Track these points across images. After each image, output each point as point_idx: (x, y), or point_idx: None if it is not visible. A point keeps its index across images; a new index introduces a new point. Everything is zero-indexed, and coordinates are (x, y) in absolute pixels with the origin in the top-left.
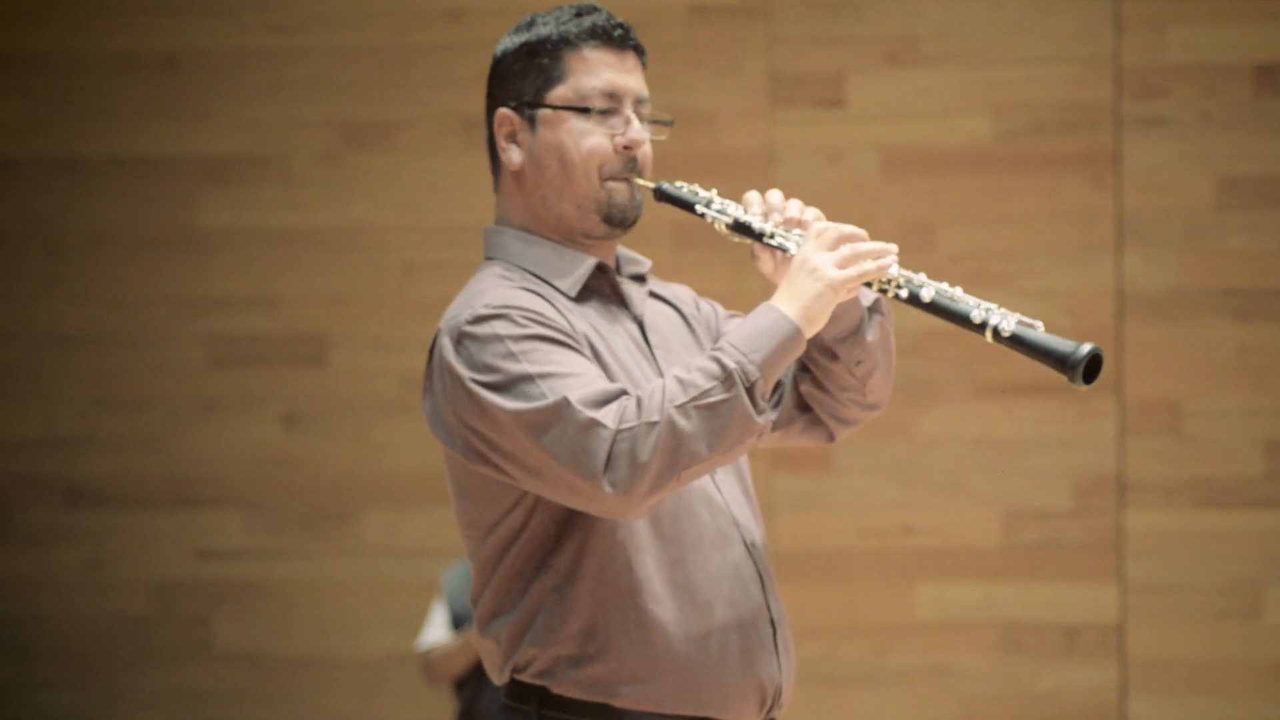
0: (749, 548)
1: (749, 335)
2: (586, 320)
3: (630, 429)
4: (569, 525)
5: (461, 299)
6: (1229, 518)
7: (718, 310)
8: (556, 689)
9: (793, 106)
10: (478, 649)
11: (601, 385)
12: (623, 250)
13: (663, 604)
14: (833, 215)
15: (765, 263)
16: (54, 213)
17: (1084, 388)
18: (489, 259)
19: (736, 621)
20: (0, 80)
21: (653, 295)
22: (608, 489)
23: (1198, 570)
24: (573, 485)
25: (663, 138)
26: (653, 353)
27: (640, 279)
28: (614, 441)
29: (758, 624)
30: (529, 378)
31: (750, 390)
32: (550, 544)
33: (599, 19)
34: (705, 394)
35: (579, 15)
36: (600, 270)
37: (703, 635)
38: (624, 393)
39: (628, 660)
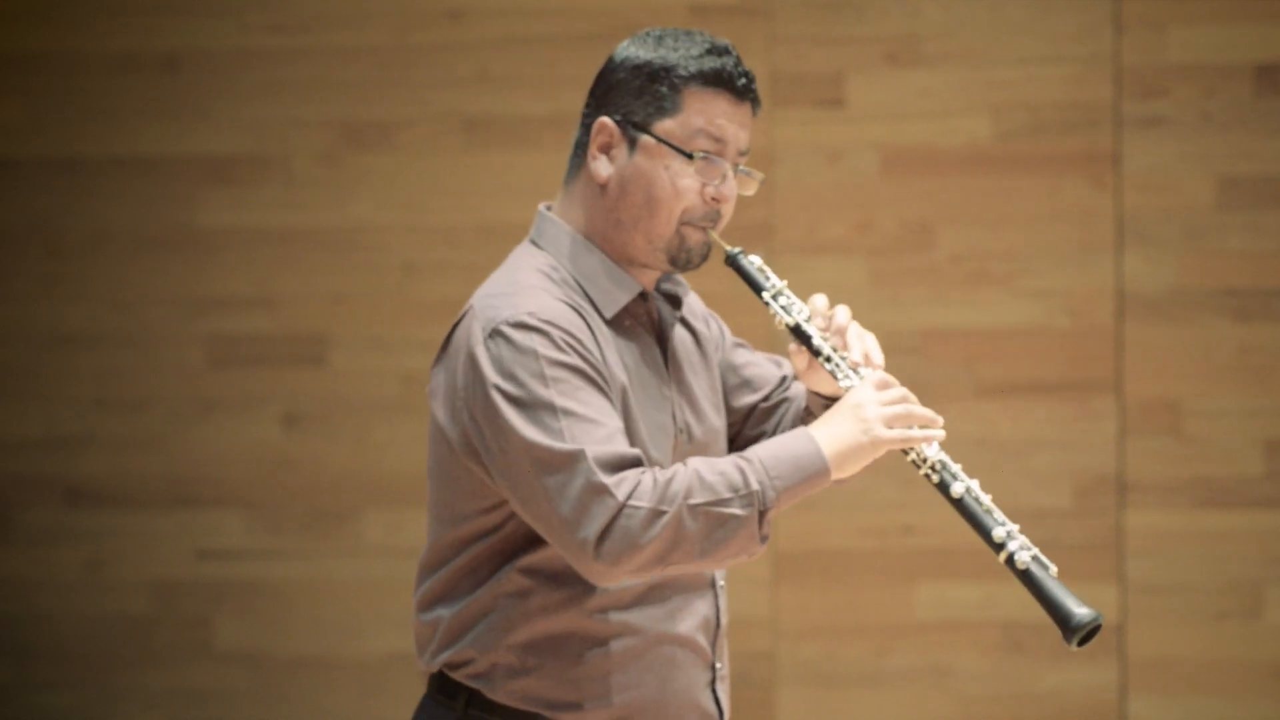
0: (716, 591)
1: (781, 459)
2: (618, 350)
3: (637, 509)
4: (542, 540)
5: (503, 283)
6: (1229, 518)
7: (725, 332)
8: (489, 694)
9: (793, 106)
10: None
11: (619, 447)
12: None
13: (613, 635)
14: (833, 215)
15: (800, 360)
16: (54, 213)
17: (1075, 649)
18: (535, 243)
19: (678, 660)
20: (0, 80)
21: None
22: (593, 556)
23: (1198, 570)
24: (558, 534)
25: (750, 191)
26: (670, 379)
27: (676, 301)
28: (617, 515)
29: (698, 668)
30: (552, 408)
31: (762, 514)
32: (518, 551)
33: (728, 63)
34: (721, 503)
35: (710, 52)
36: (641, 297)
37: (643, 669)
38: (640, 462)
39: (565, 682)
